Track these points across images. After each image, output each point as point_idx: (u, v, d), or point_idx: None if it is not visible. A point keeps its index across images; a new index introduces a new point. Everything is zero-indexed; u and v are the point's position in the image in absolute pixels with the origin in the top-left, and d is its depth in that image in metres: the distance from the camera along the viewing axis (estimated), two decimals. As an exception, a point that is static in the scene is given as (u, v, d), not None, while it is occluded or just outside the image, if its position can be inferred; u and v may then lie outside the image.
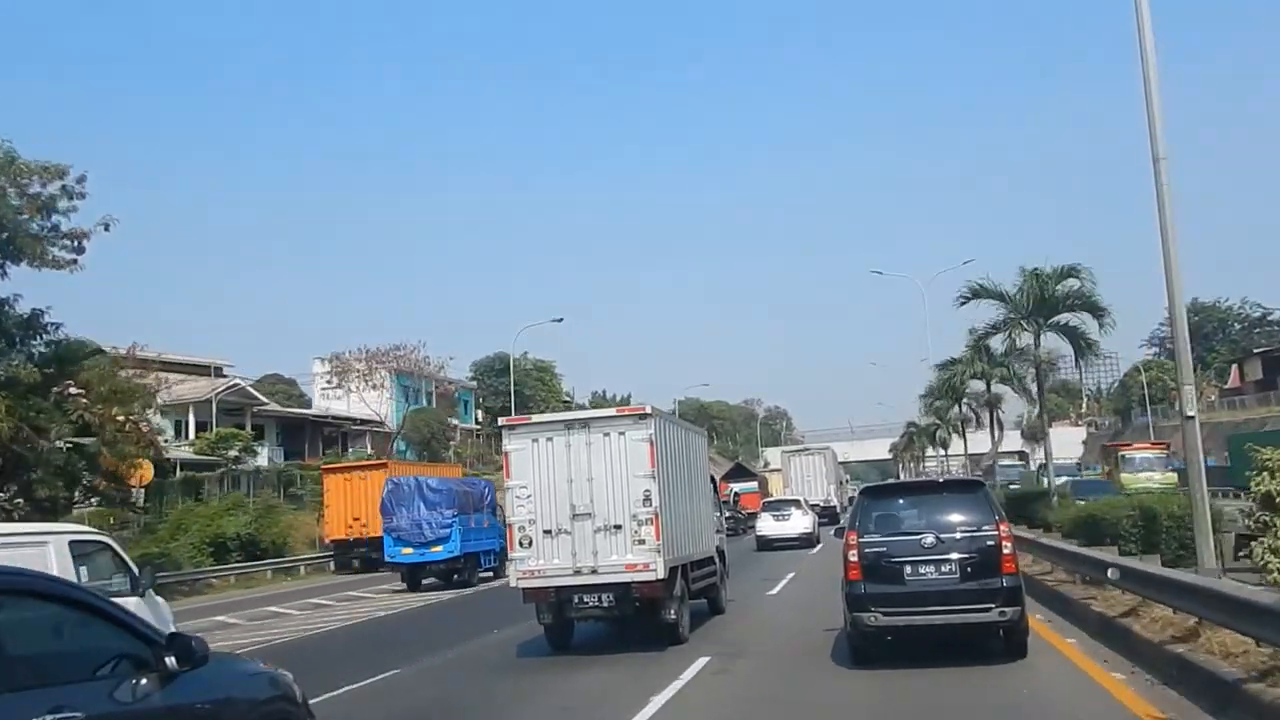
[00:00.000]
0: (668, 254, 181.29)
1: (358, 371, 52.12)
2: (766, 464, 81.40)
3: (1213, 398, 75.93)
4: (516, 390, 71.28)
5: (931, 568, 9.33)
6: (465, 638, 13.93)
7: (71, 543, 8.84)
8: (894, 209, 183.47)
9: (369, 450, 50.84)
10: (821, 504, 42.27)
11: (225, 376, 47.73)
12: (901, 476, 69.25)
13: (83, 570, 8.69)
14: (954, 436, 51.94)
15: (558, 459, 11.60)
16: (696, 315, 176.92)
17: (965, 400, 42.17)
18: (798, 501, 34.22)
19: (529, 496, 11.59)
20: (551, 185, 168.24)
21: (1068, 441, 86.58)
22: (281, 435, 50.25)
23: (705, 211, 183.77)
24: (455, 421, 64.62)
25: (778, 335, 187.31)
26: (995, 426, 40.49)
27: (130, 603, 8.36)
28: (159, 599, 9.85)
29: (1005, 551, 9.35)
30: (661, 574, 11.18)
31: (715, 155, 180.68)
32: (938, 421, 51.67)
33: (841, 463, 63.89)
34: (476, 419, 69.98)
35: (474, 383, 72.06)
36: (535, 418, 13.10)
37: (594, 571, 11.35)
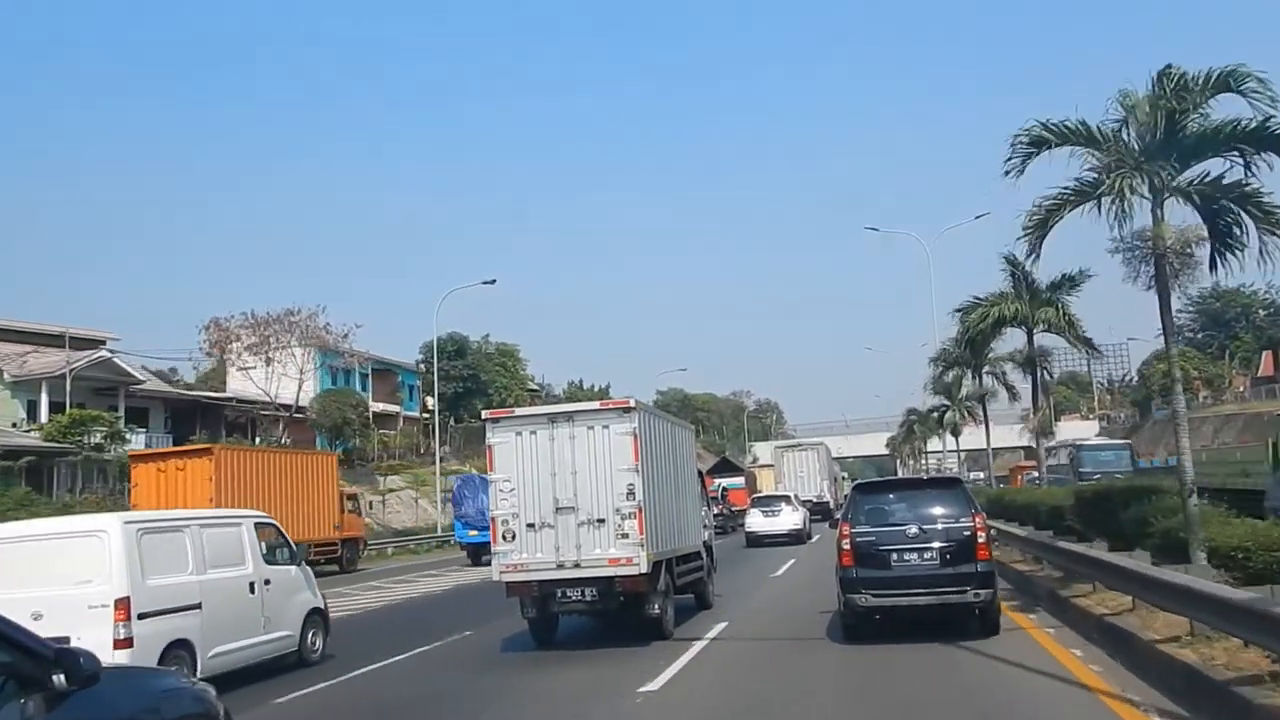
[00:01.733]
0: (653, 242, 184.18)
1: (244, 343, 46.81)
2: (755, 459, 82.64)
3: (1242, 388, 77.61)
4: (472, 374, 69.60)
5: (915, 555, 11.38)
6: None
7: (255, 524, 12.33)
8: (892, 199, 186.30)
9: (284, 439, 47.56)
10: (814, 500, 44.01)
11: (103, 351, 41.97)
12: (900, 474, 70.67)
13: (262, 544, 12.14)
14: (966, 424, 47.70)
15: (541, 452, 12.56)
16: (682, 304, 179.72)
17: (987, 367, 34.55)
18: (788, 497, 35.88)
19: (512, 490, 12.54)
20: (539, 178, 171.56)
21: (1079, 437, 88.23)
22: (171, 420, 46.25)
23: (694, 201, 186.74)
24: (397, 408, 62.19)
25: (769, 325, 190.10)
26: (1039, 394, 28.08)
27: (291, 570, 12.68)
28: (307, 568, 13.48)
29: (980, 541, 11.39)
30: (644, 568, 12.17)
31: (702, 144, 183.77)
32: (946, 402, 46.69)
33: (836, 458, 65.15)
34: (425, 406, 66.69)
35: (421, 365, 68.55)
36: (519, 410, 14.10)
37: (577, 565, 12.32)
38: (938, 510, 11.69)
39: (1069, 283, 24.20)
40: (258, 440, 46.27)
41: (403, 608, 20.73)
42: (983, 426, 38.36)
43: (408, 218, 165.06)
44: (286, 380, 47.46)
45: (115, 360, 41.43)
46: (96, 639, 9.48)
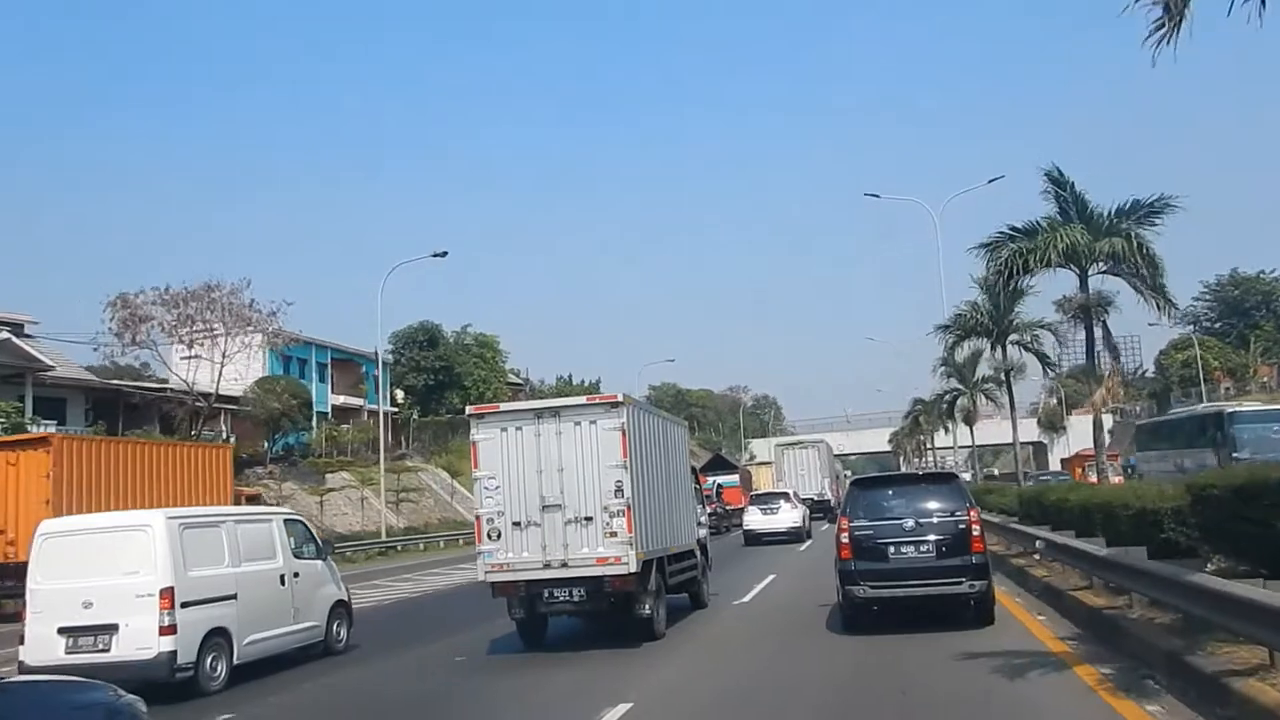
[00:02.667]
0: (645, 235, 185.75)
1: (159, 322, 42.04)
2: (753, 457, 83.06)
3: (1266, 378, 78.12)
4: (444, 366, 67.17)
5: (911, 547, 12.33)
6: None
7: (284, 520, 13.62)
8: (894, 180, 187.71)
9: (226, 434, 45.33)
10: (815, 498, 44.86)
11: (2, 332, 38.28)
12: (904, 470, 71.32)
13: (291, 540, 13.32)
14: (980, 413, 44.56)
15: (527, 449, 12.82)
16: (678, 300, 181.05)
17: (1014, 336, 29.24)
18: (786, 494, 36.69)
19: (497, 488, 12.82)
20: (534, 173, 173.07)
21: (1090, 431, 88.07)
22: (93, 412, 42.90)
23: (692, 197, 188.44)
24: (360, 401, 60.16)
25: (767, 319, 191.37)
26: (1098, 355, 22.27)
27: (317, 565, 13.81)
28: (332, 562, 14.57)
29: (974, 533, 12.29)
30: (633, 568, 12.42)
31: (701, 137, 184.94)
32: (959, 386, 43.23)
33: (837, 455, 65.66)
34: (394, 399, 65.29)
35: (388, 355, 65.42)
36: (504, 406, 14.24)
37: (564, 565, 12.59)
38: (933, 504, 12.63)
39: (1144, 210, 19.42)
40: (195, 435, 42.83)
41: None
42: (997, 415, 36.90)
43: (396, 212, 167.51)
44: (232, 368, 44.76)
45: (14, 342, 37.54)
46: (143, 626, 10.86)
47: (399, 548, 42.24)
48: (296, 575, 13.10)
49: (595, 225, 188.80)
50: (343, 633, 14.05)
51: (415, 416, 64.91)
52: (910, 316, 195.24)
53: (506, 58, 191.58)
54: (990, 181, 40.86)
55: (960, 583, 12.09)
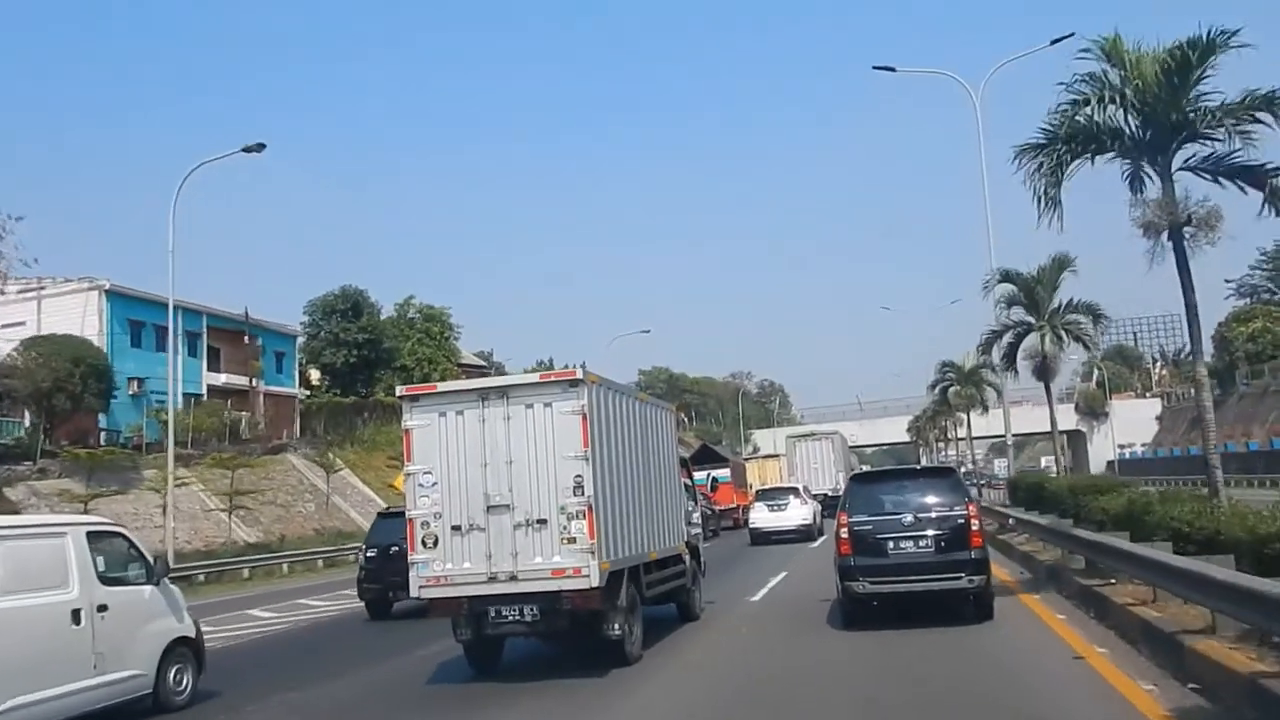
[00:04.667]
0: (642, 229, 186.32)
1: None
2: (756, 449, 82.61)
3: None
4: (370, 340, 60.59)
5: (911, 543, 13.39)
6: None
7: (89, 533, 10.90)
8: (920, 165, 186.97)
9: (14, 418, 40.21)
10: (829, 493, 44.95)
11: None
12: (924, 464, 70.70)
13: (99, 560, 10.80)
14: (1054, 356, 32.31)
15: (470, 437, 11.96)
16: (677, 286, 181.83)
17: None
18: (796, 489, 37.02)
19: (434, 484, 11.97)
20: (533, 163, 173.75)
21: (1135, 418, 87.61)
22: None
23: (692, 190, 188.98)
24: (257, 382, 53.79)
25: (773, 299, 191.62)
26: None
27: (143, 592, 11.40)
28: (173, 587, 12.16)
29: (973, 528, 13.35)
30: (596, 580, 11.51)
31: (695, 102, 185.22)
32: (1028, 320, 32.00)
33: (851, 448, 65.40)
34: (307, 379, 60.70)
35: (302, 328, 62.11)
36: (442, 386, 13.39)
37: (513, 578, 11.69)
38: (932, 499, 13.78)
39: None
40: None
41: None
42: (1026, 401, 35.53)
43: (393, 206, 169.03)
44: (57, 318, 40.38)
45: None
46: None
47: (201, 577, 31.98)
48: (103, 609, 10.53)
49: (590, 219, 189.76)
50: (185, 679, 11.68)
51: (303, 396, 59.23)
52: (927, 294, 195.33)
53: (502, 53, 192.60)
54: (1054, 43, 31.83)
55: (959, 578, 13.14)
